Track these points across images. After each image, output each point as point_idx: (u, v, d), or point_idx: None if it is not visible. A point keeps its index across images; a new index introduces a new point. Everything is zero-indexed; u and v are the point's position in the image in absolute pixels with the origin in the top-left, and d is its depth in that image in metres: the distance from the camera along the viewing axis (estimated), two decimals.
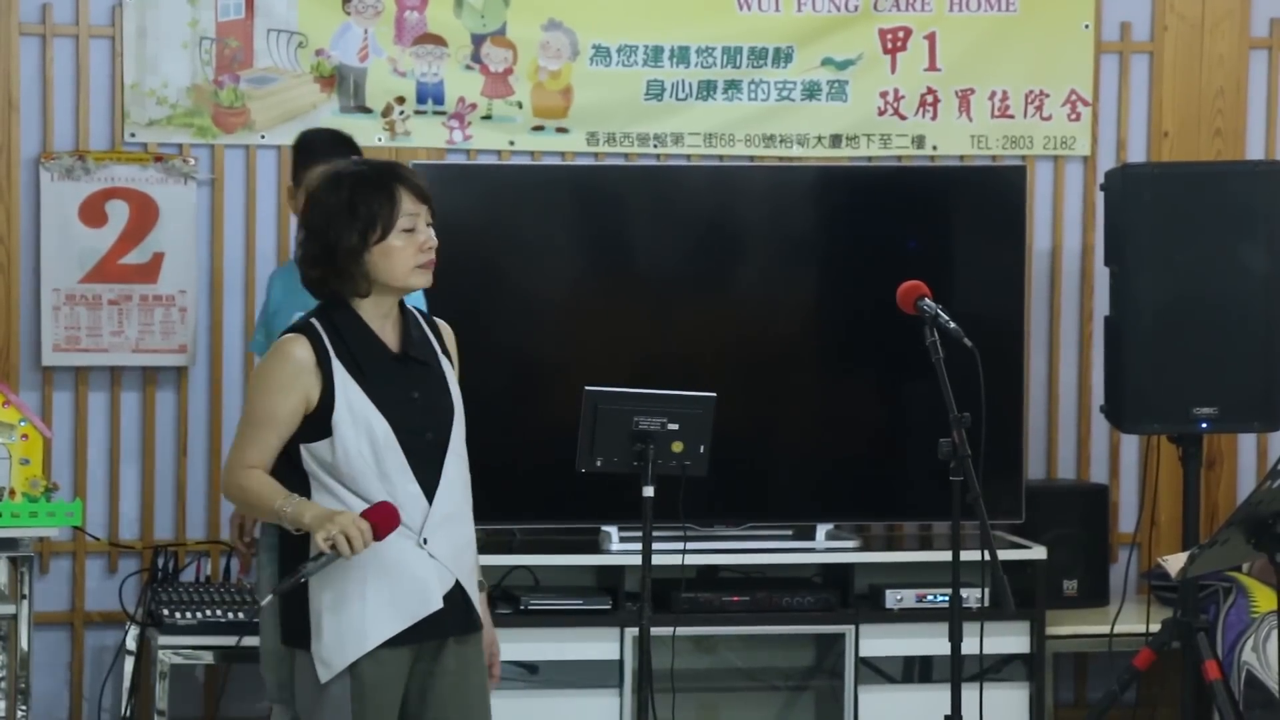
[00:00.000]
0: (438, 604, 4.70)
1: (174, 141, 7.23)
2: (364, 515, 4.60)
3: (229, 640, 6.73)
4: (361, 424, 4.68)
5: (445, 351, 4.88)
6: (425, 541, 4.70)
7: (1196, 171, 7.24)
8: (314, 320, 4.74)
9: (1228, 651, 6.95)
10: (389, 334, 4.77)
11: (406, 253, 4.70)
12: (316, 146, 6.39)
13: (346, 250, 4.69)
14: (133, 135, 7.21)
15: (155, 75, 7.20)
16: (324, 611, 4.69)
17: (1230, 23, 7.66)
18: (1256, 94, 7.71)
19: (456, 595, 4.74)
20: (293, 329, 4.77)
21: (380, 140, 7.32)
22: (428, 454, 4.72)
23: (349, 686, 4.69)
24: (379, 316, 4.76)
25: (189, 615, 6.80)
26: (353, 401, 4.68)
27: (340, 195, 4.72)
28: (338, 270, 4.71)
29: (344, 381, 4.68)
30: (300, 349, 4.69)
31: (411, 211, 4.70)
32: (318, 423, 4.68)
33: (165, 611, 6.81)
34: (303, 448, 4.70)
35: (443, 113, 7.36)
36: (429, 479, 4.71)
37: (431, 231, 4.75)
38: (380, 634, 4.67)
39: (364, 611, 4.67)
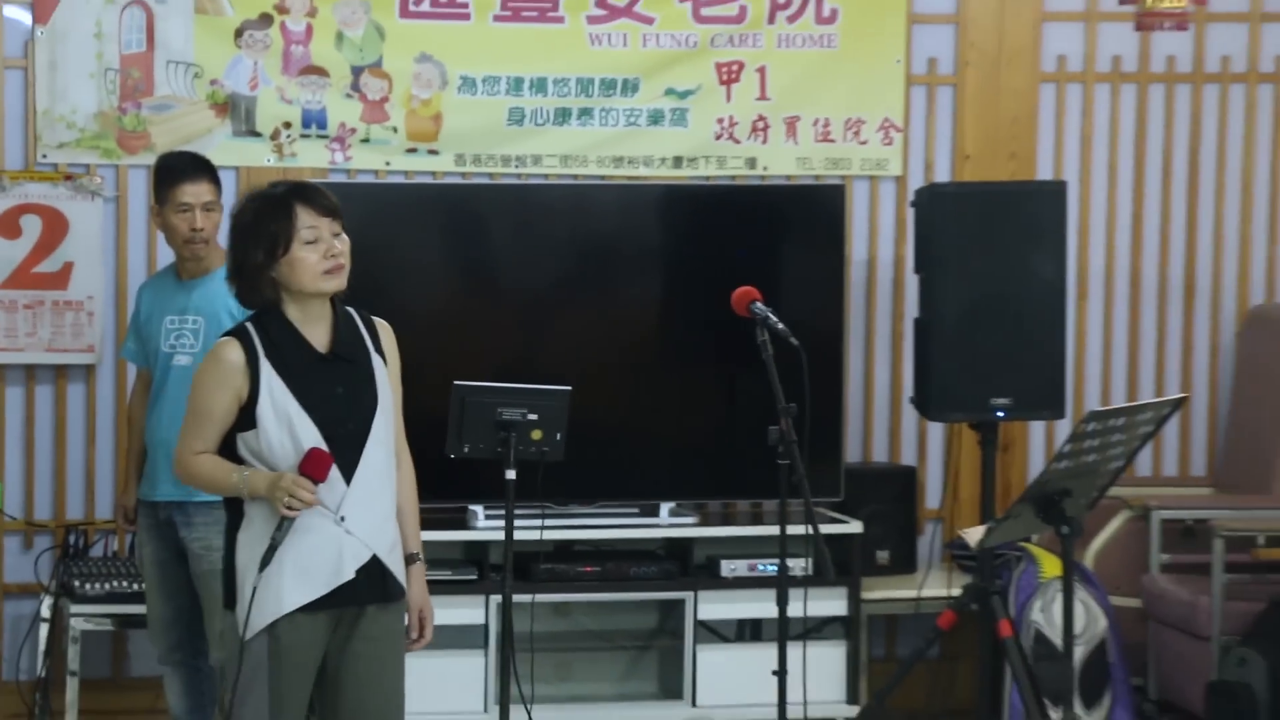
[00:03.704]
0: (349, 576, 4.72)
1: (82, 162, 7.21)
2: (300, 470, 4.64)
3: (134, 608, 6.68)
4: (282, 417, 4.70)
5: (380, 349, 4.86)
6: (343, 519, 4.71)
7: (994, 190, 7.25)
8: (249, 324, 4.77)
9: (1019, 612, 6.99)
10: (319, 335, 4.78)
11: (310, 261, 4.70)
12: (179, 167, 6.36)
13: (253, 266, 4.72)
14: (45, 156, 7.18)
15: (65, 102, 7.18)
16: (242, 581, 4.72)
17: (1023, 59, 7.70)
18: (1046, 122, 7.75)
19: (373, 568, 4.76)
20: (228, 332, 4.81)
21: (269, 161, 7.30)
22: (348, 442, 4.72)
23: (266, 645, 4.70)
24: (307, 320, 4.76)
25: (97, 586, 6.79)
26: (276, 397, 4.70)
27: (246, 217, 4.76)
28: (247, 283, 4.74)
29: (269, 379, 4.70)
30: (232, 351, 4.73)
31: (311, 225, 4.71)
32: (248, 415, 4.70)
33: (76, 583, 6.80)
34: (238, 436, 4.72)
35: (325, 136, 7.34)
36: (348, 463, 4.71)
37: (337, 241, 4.74)
38: (294, 601, 4.70)
39: (281, 580, 4.69)
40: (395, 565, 4.82)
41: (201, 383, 4.79)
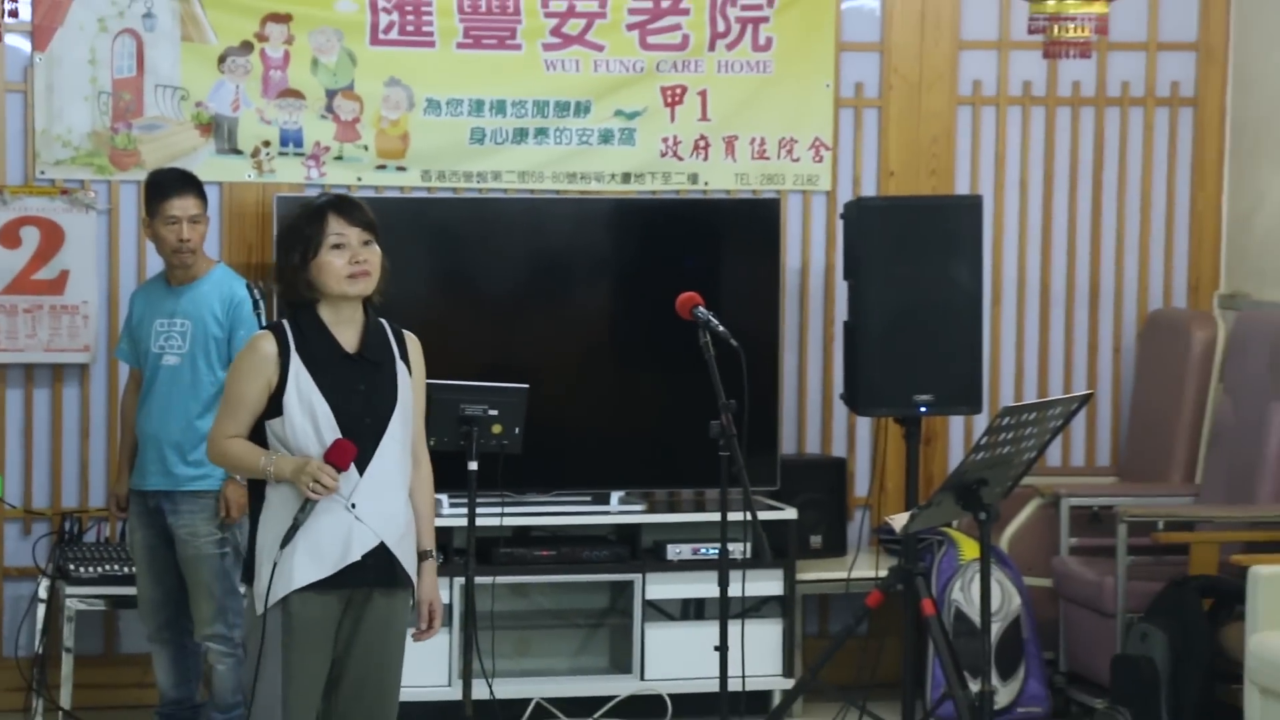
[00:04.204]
0: (355, 558, 4.70)
1: (77, 178, 7.17)
2: (325, 458, 4.63)
3: (125, 590, 6.66)
4: (306, 406, 4.69)
5: (405, 358, 4.84)
6: (353, 506, 4.69)
7: (915, 204, 7.32)
8: (284, 320, 4.78)
9: (940, 592, 7.02)
10: (348, 336, 4.77)
11: (336, 265, 4.71)
12: (167, 183, 6.39)
13: (291, 267, 4.73)
14: (43, 173, 7.15)
15: (61, 123, 7.14)
16: (261, 559, 4.72)
17: (942, 84, 7.70)
18: (963, 141, 7.75)
19: (380, 554, 4.73)
20: (265, 326, 4.82)
21: (250, 177, 7.25)
22: (365, 436, 4.70)
23: (280, 619, 4.69)
24: (339, 321, 4.76)
25: (91, 569, 6.76)
26: (302, 387, 4.69)
27: (287, 224, 4.78)
28: (285, 282, 4.75)
29: (297, 370, 4.70)
30: (266, 343, 4.73)
31: (339, 232, 4.70)
32: (276, 403, 4.71)
33: (71, 566, 6.77)
34: (266, 424, 4.73)
35: (302, 154, 7.30)
36: (364, 456, 4.70)
37: (366, 249, 4.73)
38: (303, 578, 4.68)
39: (293, 559, 4.67)
40: (403, 555, 4.78)
41: (237, 371, 4.78)
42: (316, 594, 4.72)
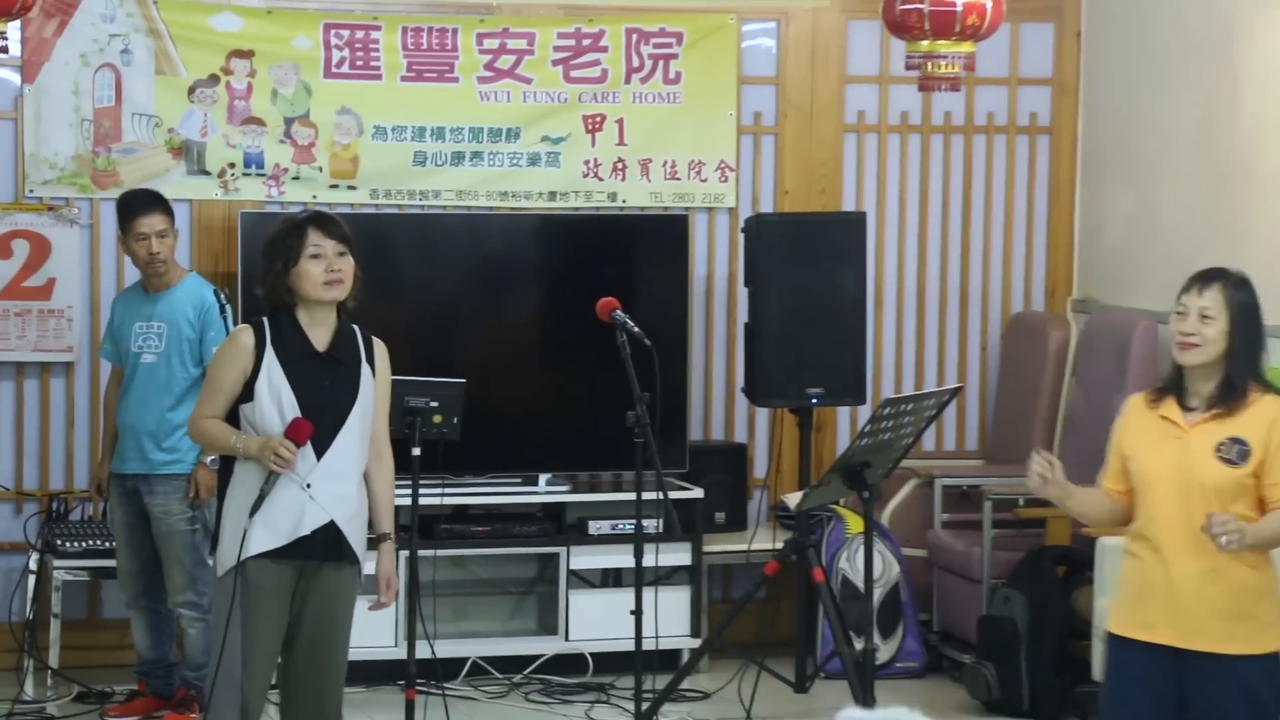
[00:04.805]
0: (305, 532, 4.79)
1: (63, 196, 7.19)
2: (285, 434, 4.76)
3: (107, 563, 6.69)
4: (274, 393, 4.80)
5: (371, 362, 4.91)
6: (309, 486, 4.79)
7: (807, 219, 7.32)
8: (265, 317, 4.88)
9: (829, 561, 7.12)
10: (320, 337, 4.85)
11: (313, 274, 4.80)
12: (135, 203, 6.41)
13: (273, 274, 4.84)
14: (31, 191, 7.18)
15: (48, 147, 7.18)
16: (225, 527, 4.83)
17: (830, 113, 7.75)
18: (849, 164, 7.78)
19: (330, 531, 4.81)
20: (246, 321, 4.88)
21: (216, 195, 7.27)
22: (325, 424, 4.80)
23: (236, 582, 4.80)
24: (313, 324, 4.85)
25: (76, 544, 6.80)
26: (272, 377, 4.80)
27: (271, 235, 4.87)
28: (267, 287, 4.85)
29: (270, 362, 4.81)
30: (245, 336, 4.84)
31: (317, 243, 4.80)
32: (249, 389, 4.82)
33: (58, 542, 6.81)
34: (239, 408, 4.85)
35: (263, 174, 7.32)
36: (322, 443, 4.80)
37: (341, 260, 4.81)
38: (257, 546, 4.79)
39: (250, 530, 4.78)
40: (352, 534, 4.84)
41: (218, 359, 4.88)
42: (271, 562, 4.81)
